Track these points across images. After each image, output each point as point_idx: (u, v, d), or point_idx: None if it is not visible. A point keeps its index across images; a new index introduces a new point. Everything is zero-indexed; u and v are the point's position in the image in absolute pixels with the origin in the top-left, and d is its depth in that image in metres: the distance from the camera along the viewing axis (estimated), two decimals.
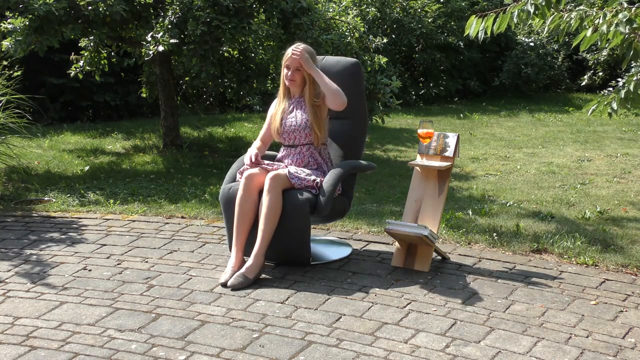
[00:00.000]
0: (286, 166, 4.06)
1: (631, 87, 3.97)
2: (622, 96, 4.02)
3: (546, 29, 4.08)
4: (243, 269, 3.81)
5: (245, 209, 3.91)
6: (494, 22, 4.09)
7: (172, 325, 3.30)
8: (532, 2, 3.90)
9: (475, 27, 4.11)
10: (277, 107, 4.24)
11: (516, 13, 3.97)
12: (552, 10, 3.98)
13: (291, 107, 4.18)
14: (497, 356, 2.97)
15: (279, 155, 4.24)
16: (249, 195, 3.91)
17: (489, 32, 4.11)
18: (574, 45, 4.07)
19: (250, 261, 3.84)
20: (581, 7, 3.99)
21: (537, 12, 3.90)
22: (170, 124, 7.95)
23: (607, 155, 7.85)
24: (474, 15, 4.17)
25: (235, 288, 3.73)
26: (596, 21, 3.83)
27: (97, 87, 10.60)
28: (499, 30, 4.07)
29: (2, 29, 6.83)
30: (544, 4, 3.86)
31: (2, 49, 6.88)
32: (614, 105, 4.08)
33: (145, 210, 5.31)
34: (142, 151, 8.00)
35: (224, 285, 3.77)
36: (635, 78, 3.99)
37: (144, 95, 8.90)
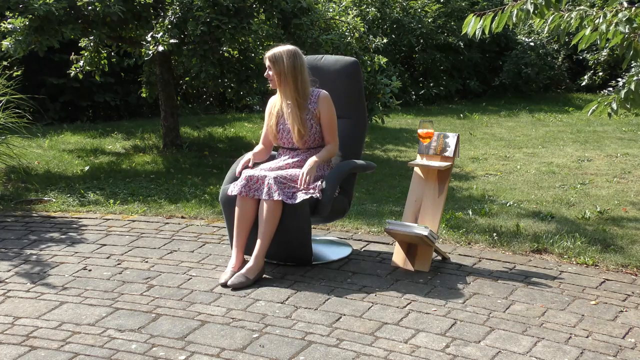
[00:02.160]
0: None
1: (632, 87, 3.97)
2: (623, 96, 4.02)
3: (546, 28, 4.08)
4: (244, 270, 3.81)
5: (244, 210, 3.90)
6: (492, 21, 4.08)
7: (172, 325, 3.30)
8: (532, 1, 3.89)
9: (473, 26, 4.11)
10: (273, 109, 4.19)
11: (515, 12, 3.97)
12: (552, 10, 3.98)
13: (287, 110, 4.13)
14: (497, 356, 2.97)
15: (277, 154, 4.23)
16: (249, 197, 3.91)
17: (487, 31, 4.10)
18: (572, 43, 4.08)
19: (250, 262, 3.85)
20: (581, 7, 3.99)
21: (536, 11, 3.90)
22: (170, 124, 7.95)
23: (607, 155, 7.85)
24: (472, 14, 4.16)
25: (236, 288, 3.73)
26: (596, 21, 3.83)
27: (97, 87, 10.61)
28: (497, 29, 4.07)
29: (2, 29, 6.84)
30: (543, 3, 3.86)
31: (2, 49, 6.88)
32: (614, 106, 4.08)
33: (145, 210, 5.31)
34: (142, 151, 8.00)
35: (224, 285, 3.77)
36: (635, 78, 3.99)
37: (144, 95, 8.91)
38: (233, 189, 3.94)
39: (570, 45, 4.08)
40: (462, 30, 4.20)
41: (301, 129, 4.04)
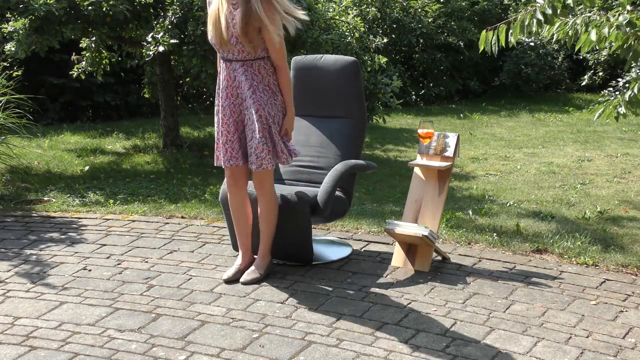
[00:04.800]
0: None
1: (635, 91, 3.95)
2: (627, 99, 4.01)
3: (555, 36, 4.06)
4: (253, 266, 3.87)
5: (239, 211, 3.86)
6: (507, 34, 4.04)
7: (172, 325, 3.31)
8: (541, 10, 3.87)
9: (488, 42, 4.07)
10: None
11: (526, 24, 3.94)
12: (560, 17, 3.96)
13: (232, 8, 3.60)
14: (497, 356, 2.97)
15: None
16: (238, 194, 3.83)
17: (503, 44, 4.06)
18: (577, 48, 4.06)
19: (258, 260, 3.89)
20: (586, 14, 3.97)
21: (547, 20, 3.89)
22: (170, 124, 7.95)
23: (607, 155, 7.84)
24: (485, 31, 4.12)
25: (247, 283, 3.77)
26: (600, 25, 3.82)
27: (97, 87, 10.60)
28: (516, 39, 4.02)
29: (2, 30, 6.83)
30: (551, 12, 3.85)
31: (6, 52, 6.88)
32: (621, 110, 4.07)
33: (145, 210, 5.31)
34: (142, 151, 8.00)
35: (227, 281, 3.80)
36: (639, 82, 3.97)
37: (147, 96, 8.91)
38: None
39: (575, 50, 4.03)
40: (480, 47, 4.15)
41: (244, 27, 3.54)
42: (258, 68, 3.66)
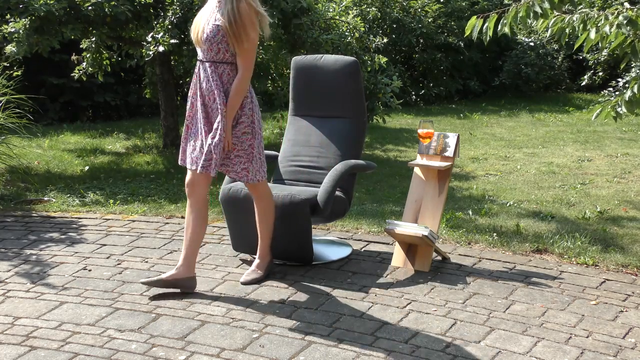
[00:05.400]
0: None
1: (635, 90, 3.95)
2: (627, 99, 4.00)
3: (549, 31, 4.05)
4: (253, 266, 3.87)
5: (188, 218, 3.70)
6: (497, 23, 4.04)
7: (172, 325, 3.31)
8: (538, 3, 3.87)
9: (477, 29, 4.07)
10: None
11: (520, 15, 3.93)
12: (555, 11, 3.95)
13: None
14: (497, 356, 2.97)
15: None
16: (195, 203, 3.71)
17: (490, 34, 4.04)
18: (576, 47, 4.05)
19: (257, 260, 3.89)
20: (583, 10, 3.97)
21: (541, 14, 3.88)
22: (170, 124, 7.95)
23: (607, 155, 7.84)
24: (475, 17, 4.12)
25: (247, 283, 3.77)
26: (599, 23, 3.82)
27: (97, 87, 10.60)
28: (504, 30, 4.00)
29: (3, 31, 6.83)
30: (547, 7, 3.84)
31: (7, 53, 6.88)
32: (620, 110, 4.07)
33: (145, 210, 5.31)
34: (142, 151, 8.00)
35: (145, 283, 3.62)
36: (639, 81, 3.97)
37: (148, 96, 8.91)
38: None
39: (572, 47, 4.01)
40: (466, 33, 4.14)
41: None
42: (221, 73, 3.58)
